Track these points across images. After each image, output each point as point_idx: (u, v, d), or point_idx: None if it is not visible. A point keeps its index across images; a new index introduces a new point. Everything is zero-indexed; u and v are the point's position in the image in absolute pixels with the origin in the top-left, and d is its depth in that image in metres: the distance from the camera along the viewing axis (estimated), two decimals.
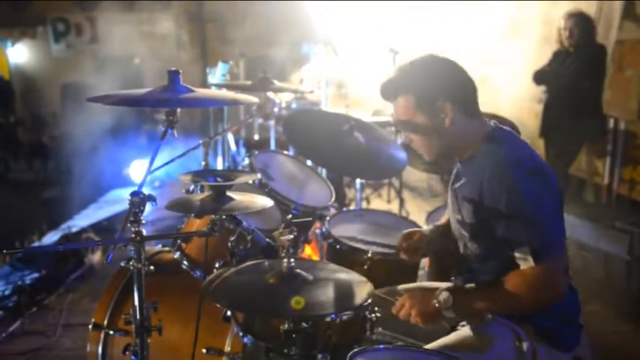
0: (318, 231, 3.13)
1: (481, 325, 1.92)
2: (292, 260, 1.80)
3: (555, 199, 1.80)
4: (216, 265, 2.22)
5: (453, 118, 1.85)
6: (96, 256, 4.63)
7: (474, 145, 1.89)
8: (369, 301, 1.79)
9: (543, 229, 1.75)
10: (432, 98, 1.84)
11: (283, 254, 1.82)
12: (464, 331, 1.95)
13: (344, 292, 1.81)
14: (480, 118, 1.92)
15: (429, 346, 1.84)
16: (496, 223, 1.80)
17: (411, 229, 2.30)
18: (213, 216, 1.95)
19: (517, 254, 1.85)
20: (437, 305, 1.82)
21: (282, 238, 1.80)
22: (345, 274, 1.94)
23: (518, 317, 1.89)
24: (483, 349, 1.86)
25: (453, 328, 2.01)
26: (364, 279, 1.90)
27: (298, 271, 1.81)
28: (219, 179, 1.94)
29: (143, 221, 1.74)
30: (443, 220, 2.28)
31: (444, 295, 1.82)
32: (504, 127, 1.94)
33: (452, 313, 1.82)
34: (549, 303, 1.81)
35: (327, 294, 1.76)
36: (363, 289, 1.82)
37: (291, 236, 1.79)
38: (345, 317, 1.84)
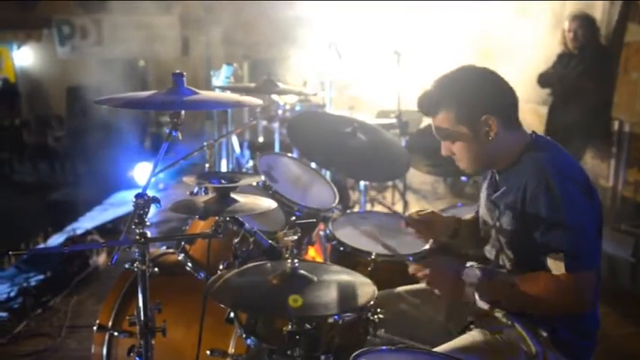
0: (322, 233, 3.14)
1: (492, 329, 1.91)
2: (296, 261, 1.81)
3: (597, 218, 1.81)
4: (220, 266, 2.23)
5: (496, 132, 1.84)
6: (101, 258, 4.64)
7: (515, 155, 1.88)
8: (372, 302, 1.79)
9: (582, 239, 1.74)
10: (475, 113, 1.83)
11: (287, 255, 1.82)
12: (473, 335, 1.94)
13: (347, 294, 1.81)
14: (520, 128, 1.91)
15: (437, 349, 1.84)
16: (535, 229, 1.78)
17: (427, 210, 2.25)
18: (217, 218, 1.96)
19: (550, 264, 1.81)
20: (463, 277, 1.81)
21: (285, 239, 1.80)
22: (349, 276, 1.94)
23: (534, 323, 1.88)
24: (493, 354, 1.86)
25: (461, 332, 2.01)
26: (368, 280, 1.90)
27: (302, 272, 1.82)
28: (223, 181, 1.95)
29: (147, 223, 1.75)
30: (467, 216, 2.27)
31: (471, 270, 1.81)
32: (546, 137, 1.95)
33: (473, 292, 1.80)
34: (571, 312, 1.80)
35: (330, 295, 1.77)
36: (366, 291, 1.82)
37: (295, 237, 1.80)
38: (348, 319, 1.85)
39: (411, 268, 1.93)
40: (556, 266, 1.76)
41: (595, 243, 1.79)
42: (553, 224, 1.74)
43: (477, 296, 1.80)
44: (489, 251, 2.04)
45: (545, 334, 1.87)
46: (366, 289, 1.84)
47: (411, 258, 2.64)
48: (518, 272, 1.89)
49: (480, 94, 1.85)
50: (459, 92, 1.85)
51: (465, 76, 1.89)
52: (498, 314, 1.96)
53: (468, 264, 1.85)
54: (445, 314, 2.14)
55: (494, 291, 1.82)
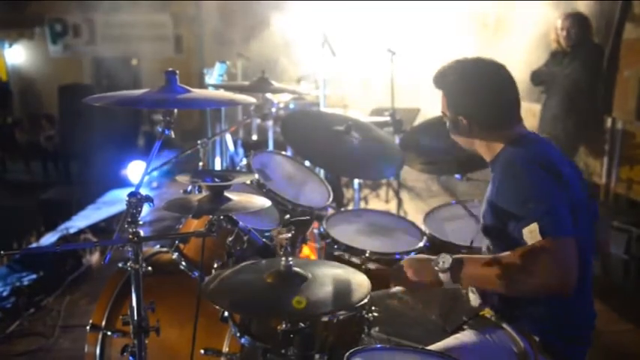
0: (316, 231, 3.13)
1: (484, 330, 1.91)
2: (290, 259, 1.80)
3: (569, 199, 1.76)
4: (215, 265, 2.22)
5: (469, 131, 1.95)
6: (94, 257, 4.63)
7: (493, 152, 1.95)
8: (367, 299, 1.78)
9: (552, 209, 1.70)
10: (454, 109, 1.97)
11: (281, 253, 1.81)
12: (464, 334, 1.95)
13: (343, 288, 1.80)
14: (505, 128, 1.93)
15: (429, 348, 1.84)
16: (509, 219, 1.79)
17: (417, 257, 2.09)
18: (210, 216, 1.95)
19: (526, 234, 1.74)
20: (435, 267, 1.83)
21: (280, 236, 1.80)
22: (342, 270, 1.93)
23: (525, 327, 1.87)
24: (483, 354, 1.86)
25: (454, 332, 2.01)
26: (361, 274, 1.89)
27: (296, 269, 1.81)
28: (216, 180, 1.95)
29: (141, 222, 1.74)
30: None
31: (442, 257, 1.83)
32: (536, 135, 1.98)
33: (448, 278, 1.81)
34: (557, 284, 1.64)
35: (327, 291, 1.76)
36: (361, 284, 1.81)
37: (289, 235, 1.79)
38: (342, 317, 1.84)
39: (392, 279, 1.96)
40: (530, 235, 1.73)
41: (565, 213, 1.72)
42: (525, 204, 1.73)
43: (449, 281, 1.81)
44: (485, 247, 2.04)
45: (537, 338, 1.86)
46: (360, 282, 1.83)
47: (397, 256, 2.64)
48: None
49: (461, 96, 1.95)
50: (452, 85, 1.96)
51: (466, 72, 1.95)
52: (490, 315, 1.96)
53: (440, 255, 1.86)
54: (441, 314, 2.14)
55: (469, 276, 1.81)
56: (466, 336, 1.93)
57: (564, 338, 1.87)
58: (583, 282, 1.76)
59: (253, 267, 1.94)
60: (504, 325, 1.91)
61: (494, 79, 1.93)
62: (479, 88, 1.92)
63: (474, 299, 2.08)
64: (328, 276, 1.86)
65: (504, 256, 1.74)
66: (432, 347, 1.84)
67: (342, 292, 1.78)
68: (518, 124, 1.96)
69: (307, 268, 1.86)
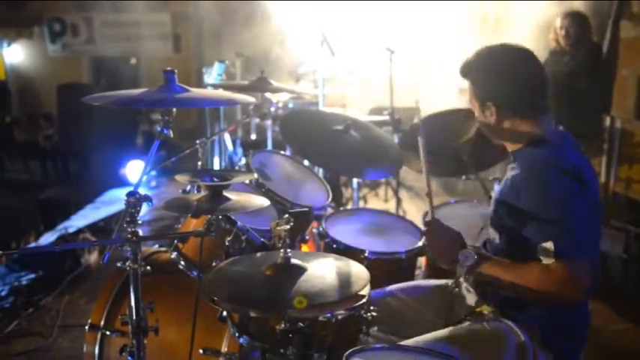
0: (315, 230, 3.13)
1: (485, 323, 1.91)
2: (289, 251, 1.79)
3: (589, 205, 1.79)
4: (213, 264, 2.22)
5: (497, 119, 1.92)
6: (92, 257, 4.62)
7: (520, 142, 1.93)
8: (365, 299, 1.77)
9: (569, 229, 1.73)
10: (483, 96, 1.93)
11: (280, 245, 1.79)
12: (461, 326, 1.95)
13: (343, 279, 1.77)
14: (534, 114, 1.92)
15: (423, 337, 1.85)
16: (524, 220, 1.79)
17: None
18: (209, 216, 1.95)
19: (539, 251, 1.78)
20: (458, 258, 1.83)
21: (278, 228, 1.78)
22: (341, 262, 1.90)
23: (526, 322, 1.88)
24: (480, 343, 1.86)
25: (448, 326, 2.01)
26: (360, 265, 1.87)
27: (295, 261, 1.78)
28: (215, 179, 1.94)
29: (139, 221, 1.74)
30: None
31: (467, 253, 1.82)
32: (562, 132, 1.99)
33: (464, 271, 1.83)
34: (566, 300, 1.77)
35: (327, 282, 1.73)
36: (361, 275, 1.79)
37: (288, 227, 1.78)
38: (341, 316, 1.84)
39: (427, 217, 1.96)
40: (547, 255, 1.74)
41: (584, 229, 1.76)
42: (544, 215, 1.74)
43: (467, 278, 1.84)
44: (491, 233, 2.04)
45: (538, 333, 1.86)
46: (360, 273, 1.81)
47: (403, 255, 2.64)
48: (510, 258, 1.89)
49: (490, 82, 1.93)
50: (480, 71, 1.95)
51: (490, 58, 1.94)
52: (488, 312, 1.96)
53: (468, 248, 1.86)
54: (439, 312, 2.14)
55: (484, 275, 1.83)
56: (462, 327, 1.95)
57: (563, 334, 1.88)
58: None
59: (251, 260, 1.92)
60: (503, 320, 1.91)
61: (523, 62, 1.92)
62: (507, 70, 1.91)
63: (471, 297, 2.09)
64: (327, 265, 1.85)
65: (520, 269, 1.78)
66: (426, 336, 1.86)
67: (344, 280, 1.76)
68: (547, 112, 1.94)
69: (305, 260, 1.84)
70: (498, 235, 1.97)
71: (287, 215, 1.81)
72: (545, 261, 1.74)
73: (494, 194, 2.08)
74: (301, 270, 1.77)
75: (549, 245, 1.72)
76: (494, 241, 1.99)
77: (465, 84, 2.03)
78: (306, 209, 2.52)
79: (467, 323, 1.97)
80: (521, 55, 1.93)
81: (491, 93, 1.91)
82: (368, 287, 1.80)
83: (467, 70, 1.99)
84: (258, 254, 1.98)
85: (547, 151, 1.85)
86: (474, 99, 1.97)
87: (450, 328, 1.95)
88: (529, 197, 1.79)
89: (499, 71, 1.91)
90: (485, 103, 1.92)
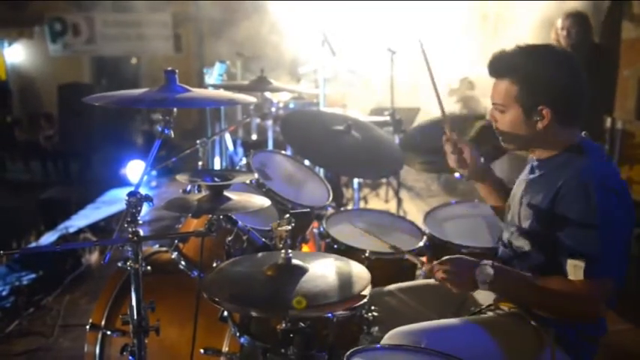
0: (315, 230, 3.13)
1: (502, 319, 1.90)
2: (290, 251, 1.79)
3: (628, 227, 1.77)
4: (214, 264, 2.22)
5: (547, 125, 1.81)
6: (93, 257, 4.63)
7: (557, 149, 1.86)
8: (368, 290, 1.76)
9: (606, 246, 1.69)
10: (535, 100, 1.79)
11: (281, 245, 1.79)
12: (486, 314, 1.94)
13: (344, 280, 1.77)
14: (574, 126, 1.87)
15: (455, 319, 1.86)
16: (560, 230, 1.74)
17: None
18: (210, 216, 1.95)
19: (568, 264, 1.74)
20: (476, 276, 1.75)
21: (279, 229, 1.78)
22: (342, 262, 1.90)
23: (545, 319, 1.85)
24: (504, 333, 1.84)
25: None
26: (361, 266, 1.87)
27: (296, 261, 1.78)
28: (216, 179, 1.94)
29: (140, 221, 1.74)
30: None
31: (486, 269, 1.74)
32: (594, 142, 1.91)
33: (487, 288, 1.76)
34: (581, 319, 1.78)
35: (328, 282, 1.73)
36: (362, 275, 1.79)
37: (289, 227, 1.77)
38: (341, 316, 1.84)
39: (425, 267, 1.88)
40: (574, 269, 1.72)
41: (618, 250, 1.73)
42: (583, 230, 1.70)
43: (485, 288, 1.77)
44: (510, 233, 1.98)
45: (553, 332, 1.83)
46: (361, 274, 1.80)
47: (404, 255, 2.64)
48: (533, 268, 1.85)
49: (547, 83, 1.79)
50: (531, 71, 1.79)
51: (545, 58, 1.80)
52: (508, 308, 1.95)
53: (482, 262, 1.79)
54: (443, 312, 2.13)
55: (507, 290, 1.81)
56: (487, 314, 1.93)
57: (582, 336, 1.87)
58: None
59: (252, 260, 1.92)
60: (523, 315, 1.89)
61: (574, 67, 1.82)
62: (564, 71, 1.79)
63: (482, 295, 2.08)
64: (328, 266, 1.84)
65: (544, 284, 1.75)
66: (459, 319, 1.86)
67: (343, 282, 1.75)
68: (581, 121, 1.88)
69: (306, 260, 1.84)
70: (524, 240, 1.91)
71: (288, 215, 1.81)
72: (572, 277, 1.72)
73: (518, 181, 2.01)
74: (302, 270, 1.76)
75: (579, 263, 1.69)
76: (523, 247, 1.91)
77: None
78: (307, 210, 2.52)
79: (488, 314, 1.95)
80: (569, 58, 1.83)
81: (547, 96, 1.78)
82: (369, 288, 1.80)
83: (508, 67, 1.82)
84: (260, 254, 1.98)
85: (590, 160, 1.79)
86: (517, 104, 1.81)
87: (472, 315, 1.93)
88: (571, 210, 1.72)
89: (556, 74, 1.79)
90: (536, 108, 1.79)
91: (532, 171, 1.95)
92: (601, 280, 1.70)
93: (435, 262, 1.84)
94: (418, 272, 2.76)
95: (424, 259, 3.04)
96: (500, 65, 1.85)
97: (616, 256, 1.73)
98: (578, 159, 1.81)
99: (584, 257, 1.69)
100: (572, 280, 1.71)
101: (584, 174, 1.74)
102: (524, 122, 1.82)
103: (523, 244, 1.90)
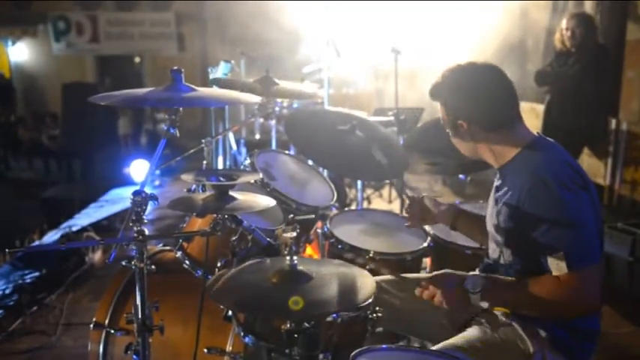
0: (319, 231, 3.13)
1: (491, 328, 1.91)
2: (295, 258, 1.79)
3: (597, 214, 1.81)
4: (218, 264, 2.22)
5: (472, 134, 1.94)
6: (97, 255, 4.63)
7: (510, 154, 1.92)
8: (371, 300, 1.77)
9: (581, 237, 1.74)
10: (453, 115, 1.95)
11: (286, 252, 1.80)
12: (471, 332, 1.94)
13: (348, 288, 1.78)
14: (507, 127, 1.92)
15: (434, 348, 1.83)
16: (533, 230, 1.77)
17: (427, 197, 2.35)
18: (215, 215, 1.95)
19: (550, 262, 1.78)
20: (465, 287, 1.80)
21: (284, 235, 1.79)
22: (348, 269, 1.91)
23: (533, 323, 1.87)
24: (490, 352, 1.85)
25: (461, 328, 2.00)
26: (366, 273, 1.87)
27: (301, 268, 1.79)
28: (221, 179, 1.94)
29: (145, 220, 1.74)
30: (472, 211, 2.31)
31: (473, 278, 1.81)
32: (548, 139, 1.96)
33: (479, 299, 1.79)
34: (583, 311, 1.78)
35: (331, 291, 1.74)
36: (366, 283, 1.79)
37: (294, 234, 1.78)
38: (346, 317, 1.83)
39: (417, 291, 1.91)
40: (557, 266, 1.74)
41: (593, 238, 1.78)
42: (553, 224, 1.74)
43: (481, 302, 1.80)
44: (493, 250, 2.03)
45: (544, 334, 1.86)
46: (365, 281, 1.81)
47: (409, 256, 2.64)
48: (519, 274, 1.88)
49: (458, 100, 1.93)
50: (447, 92, 1.95)
51: (459, 77, 1.93)
52: (498, 312, 1.95)
53: (470, 273, 1.85)
54: (446, 312, 2.12)
55: (499, 298, 1.83)
56: (471, 333, 1.93)
57: (573, 334, 1.87)
58: None
59: (258, 266, 1.93)
60: (510, 322, 1.90)
61: (488, 78, 1.92)
62: (473, 88, 1.92)
63: (475, 299, 2.07)
64: (333, 273, 1.85)
65: (532, 285, 1.78)
66: (436, 347, 1.84)
67: (347, 292, 1.76)
68: (520, 123, 1.94)
69: (312, 267, 1.85)
70: (506, 250, 1.94)
71: (291, 217, 1.81)
72: (556, 273, 1.75)
73: (490, 198, 2.05)
74: (307, 277, 1.77)
75: (560, 258, 1.72)
76: (501, 257, 1.97)
77: None
78: (312, 216, 2.52)
79: (474, 325, 1.96)
80: (485, 71, 1.93)
81: (460, 111, 1.93)
82: (374, 288, 1.80)
83: (436, 92, 2.00)
84: (267, 260, 1.97)
85: (544, 155, 1.85)
86: (446, 119, 1.98)
87: (458, 336, 1.93)
88: (537, 207, 1.76)
89: (466, 89, 1.92)
90: (457, 122, 1.94)
91: (498, 187, 1.99)
92: (585, 269, 1.73)
93: (423, 283, 1.89)
94: (422, 273, 2.76)
95: (428, 260, 3.04)
96: (432, 93, 2.02)
97: (591, 242, 1.77)
98: (532, 157, 1.86)
99: (562, 252, 1.73)
100: (557, 275, 1.74)
101: (540, 170, 1.80)
102: (457, 136, 1.99)
103: (506, 253, 1.94)
